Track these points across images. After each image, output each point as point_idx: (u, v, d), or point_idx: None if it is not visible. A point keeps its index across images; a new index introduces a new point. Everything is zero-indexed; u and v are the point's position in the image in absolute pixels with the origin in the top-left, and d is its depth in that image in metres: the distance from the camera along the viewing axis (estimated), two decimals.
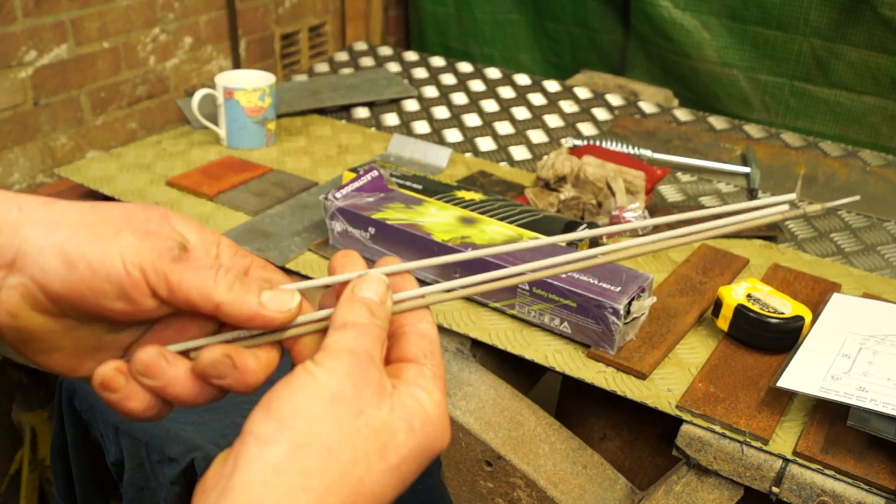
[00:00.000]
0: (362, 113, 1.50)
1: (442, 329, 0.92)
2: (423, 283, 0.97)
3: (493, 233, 0.95)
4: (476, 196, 1.05)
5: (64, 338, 0.39)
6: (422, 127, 1.45)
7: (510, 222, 0.99)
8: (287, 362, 0.40)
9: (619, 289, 0.85)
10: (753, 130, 1.49)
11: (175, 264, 0.38)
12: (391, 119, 1.48)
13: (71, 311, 0.38)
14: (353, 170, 1.12)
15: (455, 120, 1.48)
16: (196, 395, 0.38)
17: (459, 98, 1.57)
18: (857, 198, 0.51)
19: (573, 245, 0.97)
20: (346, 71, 1.70)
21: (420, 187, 1.06)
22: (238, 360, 0.37)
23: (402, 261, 0.42)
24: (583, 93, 1.61)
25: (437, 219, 0.97)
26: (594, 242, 1.01)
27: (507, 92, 1.60)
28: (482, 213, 1.00)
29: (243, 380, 0.37)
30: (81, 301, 0.37)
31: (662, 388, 0.83)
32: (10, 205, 0.37)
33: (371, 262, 0.42)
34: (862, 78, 1.89)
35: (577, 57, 2.31)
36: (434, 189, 1.06)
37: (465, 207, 1.01)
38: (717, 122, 1.52)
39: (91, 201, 0.40)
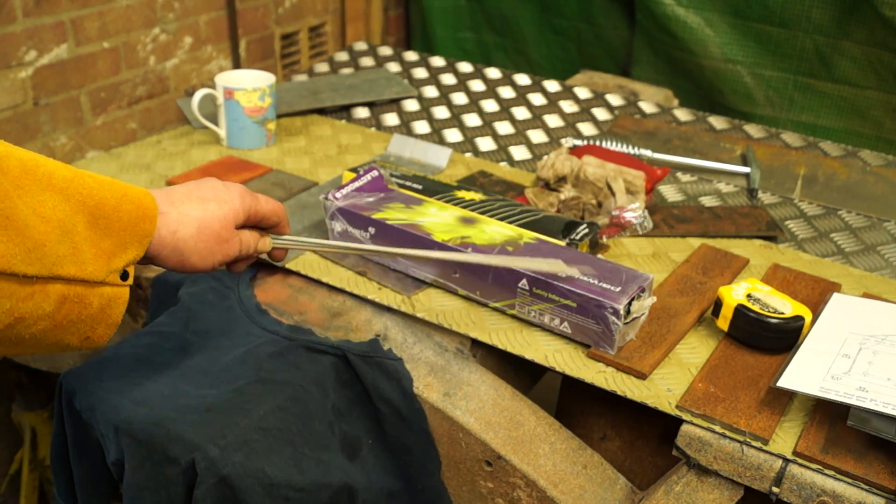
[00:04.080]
0: (362, 113, 1.50)
1: (442, 329, 0.92)
2: (420, 282, 0.97)
3: (493, 233, 0.95)
4: (476, 196, 1.05)
5: None
6: (422, 127, 1.45)
7: (510, 222, 0.98)
8: None
9: (619, 289, 0.85)
10: (753, 130, 1.49)
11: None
12: (391, 119, 1.48)
13: None
14: (353, 170, 1.12)
15: (455, 120, 1.48)
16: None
17: (459, 98, 1.57)
18: None
19: (574, 245, 0.97)
20: (346, 71, 1.70)
21: (420, 187, 1.06)
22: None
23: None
24: (583, 93, 1.61)
25: (437, 219, 0.97)
26: (595, 243, 1.01)
27: (507, 92, 1.60)
28: (482, 213, 1.00)
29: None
30: None
31: (662, 388, 0.83)
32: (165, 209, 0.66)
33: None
34: (864, 73, 1.89)
35: (584, 52, 2.32)
36: (434, 189, 1.06)
37: (465, 207, 1.01)
38: (717, 122, 1.52)
39: (196, 195, 0.68)
